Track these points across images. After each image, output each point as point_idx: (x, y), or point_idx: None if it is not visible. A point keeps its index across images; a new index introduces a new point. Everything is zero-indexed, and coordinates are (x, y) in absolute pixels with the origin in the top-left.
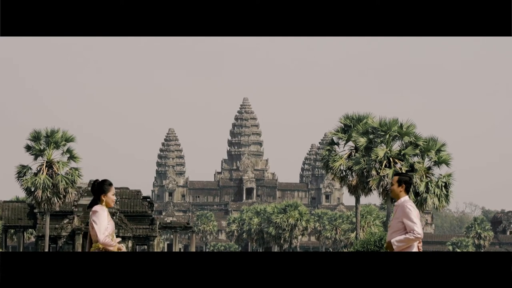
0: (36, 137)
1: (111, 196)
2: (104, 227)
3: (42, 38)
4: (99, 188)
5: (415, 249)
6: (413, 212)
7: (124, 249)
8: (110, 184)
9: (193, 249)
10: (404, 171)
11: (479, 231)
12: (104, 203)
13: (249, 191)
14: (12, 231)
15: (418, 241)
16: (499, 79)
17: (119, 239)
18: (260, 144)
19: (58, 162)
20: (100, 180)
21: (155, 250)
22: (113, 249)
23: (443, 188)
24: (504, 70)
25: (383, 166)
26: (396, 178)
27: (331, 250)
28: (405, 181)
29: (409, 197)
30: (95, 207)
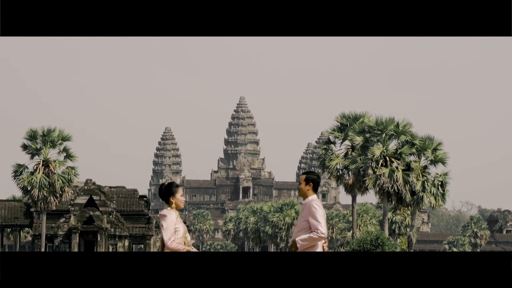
0: (32, 136)
1: (179, 198)
2: (170, 231)
3: (42, 38)
4: (167, 191)
5: (319, 249)
6: (319, 211)
7: (194, 250)
8: (177, 186)
9: None
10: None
11: (475, 230)
12: (173, 205)
13: (246, 190)
14: (8, 230)
15: (323, 241)
16: (499, 79)
17: (192, 241)
18: (257, 143)
19: (54, 161)
20: (166, 183)
21: (152, 249)
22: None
23: (439, 187)
24: (504, 70)
25: (379, 165)
26: (304, 176)
27: (328, 249)
28: (313, 179)
29: (318, 196)
30: (163, 211)
